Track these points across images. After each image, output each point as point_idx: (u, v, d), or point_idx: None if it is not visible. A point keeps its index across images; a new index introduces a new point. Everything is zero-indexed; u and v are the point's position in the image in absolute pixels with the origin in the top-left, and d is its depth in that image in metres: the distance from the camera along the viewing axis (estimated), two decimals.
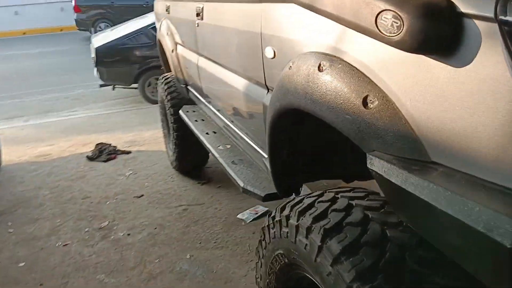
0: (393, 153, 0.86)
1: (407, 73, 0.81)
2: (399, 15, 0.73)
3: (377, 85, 0.88)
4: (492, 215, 0.63)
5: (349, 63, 0.96)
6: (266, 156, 1.73)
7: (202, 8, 2.23)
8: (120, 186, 3.69)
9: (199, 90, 2.79)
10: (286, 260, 1.30)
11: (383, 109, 0.87)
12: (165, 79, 3.58)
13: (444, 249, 0.80)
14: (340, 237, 1.05)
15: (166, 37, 3.34)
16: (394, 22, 0.74)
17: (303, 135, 1.46)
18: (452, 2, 0.70)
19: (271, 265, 1.40)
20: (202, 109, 3.00)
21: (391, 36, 0.75)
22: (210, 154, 3.59)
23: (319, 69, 1.05)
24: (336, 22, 0.94)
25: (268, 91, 1.56)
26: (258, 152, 1.83)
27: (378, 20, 0.78)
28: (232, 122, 2.18)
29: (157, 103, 6.56)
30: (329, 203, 1.16)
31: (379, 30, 0.78)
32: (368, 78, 0.91)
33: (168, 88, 3.48)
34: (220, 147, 2.36)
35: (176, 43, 3.24)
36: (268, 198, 1.79)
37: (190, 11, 2.51)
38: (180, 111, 3.18)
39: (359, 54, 0.94)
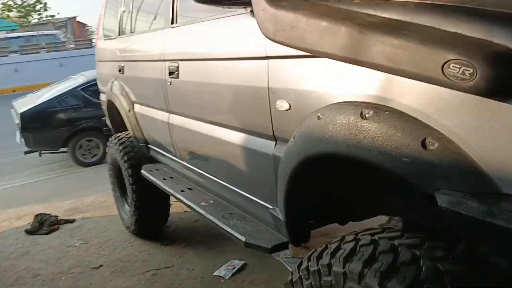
0: (461, 189, 0.93)
1: (469, 114, 0.90)
2: (470, 63, 0.82)
3: (434, 128, 0.97)
4: None
5: (397, 109, 1.04)
6: (271, 207, 1.74)
7: (178, 66, 2.25)
8: (73, 258, 3.40)
9: (168, 148, 2.74)
10: None
11: (445, 150, 0.95)
12: (119, 140, 3.46)
13: None
14: (399, 278, 1.07)
15: (121, 97, 3.28)
16: (466, 70, 0.83)
17: (320, 182, 1.50)
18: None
19: None
20: (169, 166, 2.93)
21: (463, 83, 0.84)
22: (170, 213, 3.54)
23: (362, 117, 1.11)
24: (387, 72, 1.02)
25: (276, 143, 1.59)
26: (259, 204, 1.83)
27: (445, 69, 0.87)
28: (219, 177, 2.16)
29: (90, 166, 6.38)
30: (373, 245, 1.19)
31: (448, 78, 0.87)
32: (422, 122, 0.99)
33: (124, 148, 3.36)
34: (203, 203, 2.31)
35: (133, 103, 3.18)
36: (274, 249, 1.78)
37: (157, 70, 2.51)
38: (143, 171, 3.07)
39: (407, 100, 1.03)
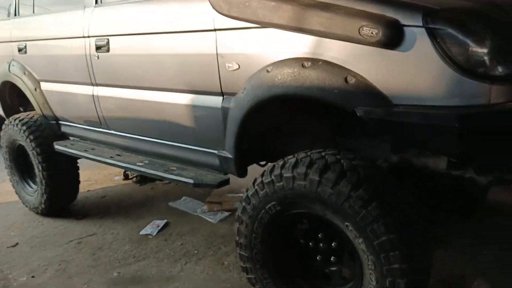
0: (370, 105, 1.55)
1: (373, 59, 1.52)
2: (376, 26, 1.43)
3: (351, 70, 1.57)
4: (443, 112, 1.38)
5: (327, 60, 1.62)
6: (216, 151, 2.20)
7: (108, 42, 2.52)
8: None
9: (91, 120, 2.94)
10: (279, 207, 1.82)
11: (359, 83, 1.56)
12: (20, 121, 3.45)
13: (421, 145, 1.50)
14: (331, 171, 1.67)
15: (24, 77, 3.30)
16: (373, 31, 1.44)
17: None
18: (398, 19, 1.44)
19: (260, 219, 1.89)
20: (88, 138, 3.12)
21: (371, 39, 1.45)
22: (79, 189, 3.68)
23: (303, 66, 1.67)
24: (322, 36, 1.59)
25: (223, 98, 2.06)
26: (204, 152, 2.27)
27: (360, 31, 1.47)
28: (158, 137, 2.52)
29: None
30: (309, 157, 1.77)
31: (362, 36, 1.47)
32: (344, 66, 1.58)
33: (28, 128, 3.38)
34: (139, 163, 2.63)
35: (39, 81, 3.25)
36: (220, 185, 2.24)
37: (77, 46, 2.71)
38: (59, 147, 3.18)
39: (333, 54, 1.61)
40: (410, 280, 1.60)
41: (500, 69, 1.40)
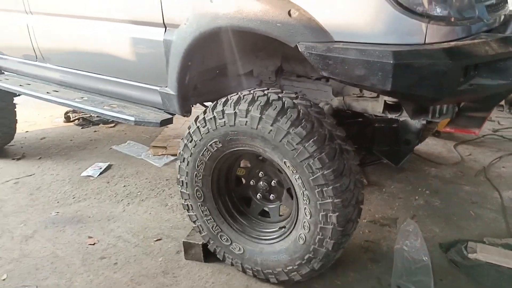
0: (311, 40, 1.54)
1: None
2: None
3: (295, 3, 1.54)
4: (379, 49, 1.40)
5: None
6: (158, 88, 2.14)
7: None
8: None
9: (26, 53, 2.75)
10: (220, 145, 1.82)
11: (302, 17, 1.53)
12: None
13: (358, 81, 1.52)
14: (273, 107, 1.67)
15: None
16: None
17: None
18: None
19: (201, 157, 1.88)
20: (23, 73, 2.93)
21: None
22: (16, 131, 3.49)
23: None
24: None
25: (166, 30, 1.98)
26: (146, 88, 2.20)
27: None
28: (99, 71, 2.40)
29: None
30: (251, 94, 1.76)
31: None
32: (288, 0, 1.55)
33: None
34: (78, 99, 2.52)
35: None
36: (163, 123, 2.19)
37: None
38: None
39: None
40: (341, 214, 1.67)
41: (438, 9, 1.43)
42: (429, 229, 2.38)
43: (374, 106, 2.01)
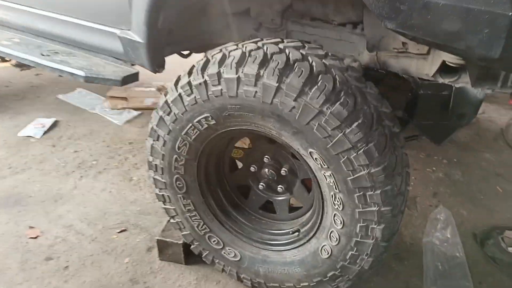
0: None
1: None
2: None
3: None
4: None
5: None
6: (119, 32, 1.49)
7: None
8: None
9: None
10: (213, 122, 1.25)
11: None
12: None
13: (434, 38, 0.97)
14: (297, 72, 1.11)
15: None
16: None
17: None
18: None
19: (184, 136, 1.32)
20: None
21: None
22: None
23: None
24: None
25: None
26: (102, 31, 1.54)
27: None
28: (38, 6, 1.70)
29: None
30: (261, 49, 1.17)
31: None
32: None
33: None
34: (5, 42, 1.82)
35: None
36: (125, 81, 1.58)
37: None
38: None
39: None
40: (388, 225, 1.20)
41: None
42: (455, 212, 1.98)
43: (420, 66, 1.47)
